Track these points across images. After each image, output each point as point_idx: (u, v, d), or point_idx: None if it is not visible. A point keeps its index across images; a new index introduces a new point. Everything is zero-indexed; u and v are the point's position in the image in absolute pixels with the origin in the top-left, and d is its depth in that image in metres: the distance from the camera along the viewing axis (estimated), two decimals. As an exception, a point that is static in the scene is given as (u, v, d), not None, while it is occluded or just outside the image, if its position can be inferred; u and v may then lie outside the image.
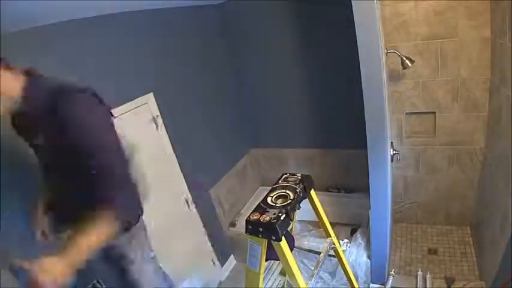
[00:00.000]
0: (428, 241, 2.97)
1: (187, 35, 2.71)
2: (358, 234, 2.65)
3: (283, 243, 1.33)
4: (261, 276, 1.49)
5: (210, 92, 3.00)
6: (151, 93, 2.32)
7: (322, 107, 3.04)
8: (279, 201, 1.44)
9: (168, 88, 2.49)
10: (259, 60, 3.13)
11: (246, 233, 1.41)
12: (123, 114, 2.10)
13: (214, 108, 3.06)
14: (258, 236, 1.36)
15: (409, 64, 2.37)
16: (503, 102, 2.02)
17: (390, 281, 2.54)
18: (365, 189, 3.17)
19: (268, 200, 1.45)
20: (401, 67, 2.40)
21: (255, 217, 1.36)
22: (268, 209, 1.39)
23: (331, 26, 2.63)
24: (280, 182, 1.59)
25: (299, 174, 1.61)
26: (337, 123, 3.02)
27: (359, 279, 2.56)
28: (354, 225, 2.91)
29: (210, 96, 3.01)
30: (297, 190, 1.48)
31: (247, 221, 1.38)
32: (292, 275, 1.40)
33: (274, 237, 1.32)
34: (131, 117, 2.17)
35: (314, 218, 1.74)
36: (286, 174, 1.65)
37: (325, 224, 1.73)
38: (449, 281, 2.44)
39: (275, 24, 2.89)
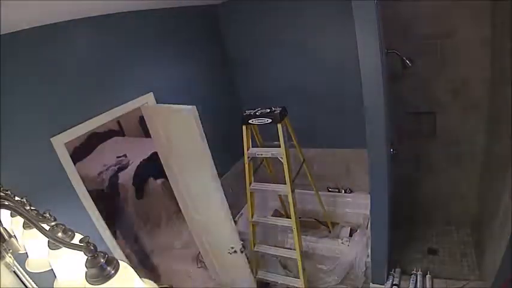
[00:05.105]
0: (429, 241, 2.97)
1: (188, 35, 2.71)
2: (358, 234, 2.65)
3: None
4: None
5: (209, 92, 3.00)
6: (151, 93, 2.32)
7: (322, 107, 3.04)
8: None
9: (168, 88, 2.49)
10: (259, 60, 3.13)
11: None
12: (123, 114, 2.11)
13: (214, 108, 3.05)
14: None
15: (409, 64, 2.36)
16: (503, 102, 2.02)
17: (390, 281, 2.54)
18: (365, 189, 3.16)
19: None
20: (401, 67, 2.40)
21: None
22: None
23: (332, 26, 2.64)
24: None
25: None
26: (337, 123, 3.02)
27: (359, 279, 2.56)
28: (354, 225, 2.91)
29: (210, 96, 3.01)
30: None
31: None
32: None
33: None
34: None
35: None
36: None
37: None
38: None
39: (275, 24, 2.89)
